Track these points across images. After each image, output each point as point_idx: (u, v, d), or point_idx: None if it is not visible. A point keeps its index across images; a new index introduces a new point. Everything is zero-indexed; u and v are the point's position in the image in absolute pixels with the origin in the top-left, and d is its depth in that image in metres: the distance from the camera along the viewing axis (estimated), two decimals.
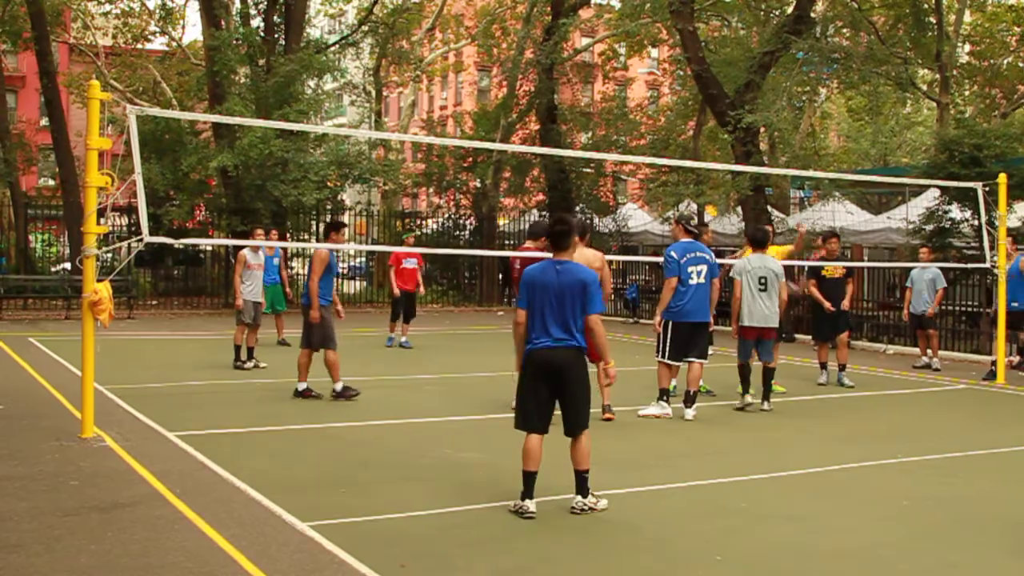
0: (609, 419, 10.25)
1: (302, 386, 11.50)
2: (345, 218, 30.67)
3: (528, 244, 11.58)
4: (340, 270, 28.52)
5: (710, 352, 11.69)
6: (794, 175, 28.22)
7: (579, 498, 6.86)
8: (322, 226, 28.17)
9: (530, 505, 6.72)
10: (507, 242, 33.12)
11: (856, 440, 9.89)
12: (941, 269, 16.31)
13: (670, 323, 10.96)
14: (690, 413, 10.76)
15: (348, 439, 9.49)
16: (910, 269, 17.03)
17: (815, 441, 9.96)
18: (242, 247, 14.79)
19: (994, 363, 14.78)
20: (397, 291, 17.67)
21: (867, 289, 22.24)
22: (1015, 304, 14.64)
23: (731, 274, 11.81)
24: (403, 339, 17.98)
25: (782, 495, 7.60)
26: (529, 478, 6.77)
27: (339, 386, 11.46)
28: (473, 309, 28.80)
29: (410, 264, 17.82)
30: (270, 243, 16.92)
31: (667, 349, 10.99)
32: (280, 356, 15.22)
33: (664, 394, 10.98)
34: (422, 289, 18.68)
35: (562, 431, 6.91)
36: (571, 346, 6.84)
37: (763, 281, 11.47)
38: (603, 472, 7.79)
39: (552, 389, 6.85)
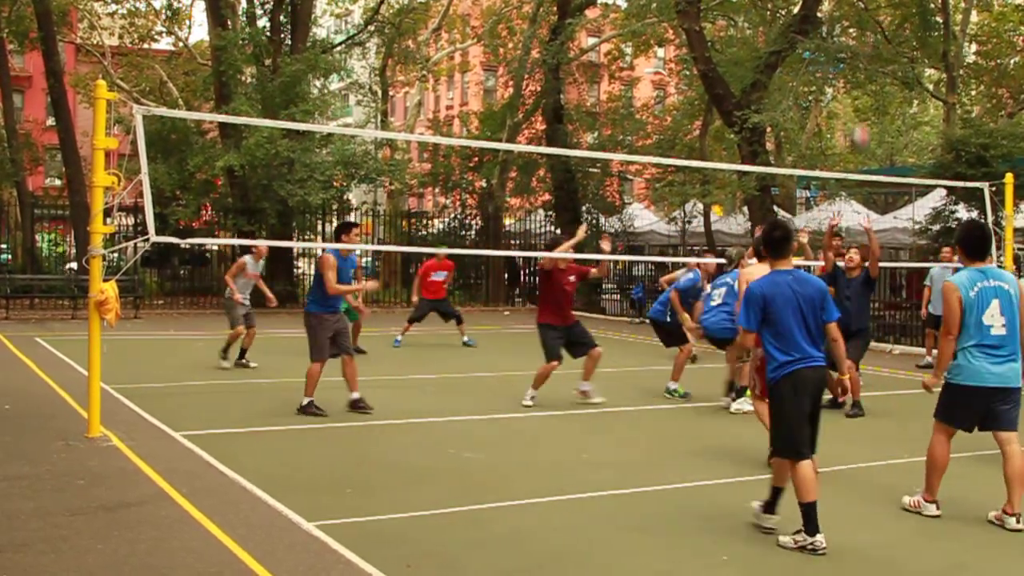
0: None
1: (355, 395, 10.90)
2: (351, 218, 30.68)
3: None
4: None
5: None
6: (800, 175, 28.24)
7: (796, 536, 6.20)
8: (329, 227, 28.26)
9: (821, 539, 6.11)
10: (513, 241, 33.14)
11: (862, 440, 9.88)
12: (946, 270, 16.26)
13: None
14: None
15: (354, 439, 9.50)
16: (916, 269, 16.98)
17: (821, 441, 9.92)
18: (243, 250, 14.73)
19: None
20: (416, 297, 18.21)
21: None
22: None
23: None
24: (464, 338, 18.38)
25: (787, 494, 7.58)
26: (811, 508, 6.16)
27: (305, 400, 10.68)
28: (479, 309, 28.78)
29: (439, 276, 18.23)
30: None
31: None
32: (282, 358, 15.23)
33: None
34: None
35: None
36: (822, 363, 6.46)
37: None
38: (610, 473, 7.80)
39: (811, 410, 6.45)
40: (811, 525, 6.12)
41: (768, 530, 6.44)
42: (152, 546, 5.91)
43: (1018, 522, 6.67)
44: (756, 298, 6.40)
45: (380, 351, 17.01)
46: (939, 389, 7.03)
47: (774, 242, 6.57)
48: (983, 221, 6.62)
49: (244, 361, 14.58)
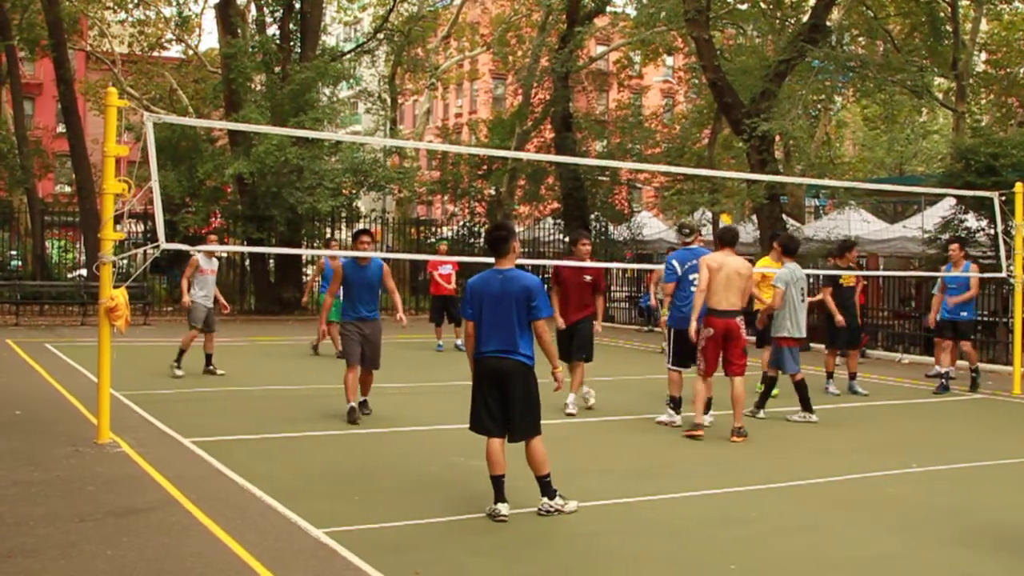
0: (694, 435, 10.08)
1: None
2: (360, 225, 30.71)
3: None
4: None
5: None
6: (809, 184, 28.20)
7: (545, 499, 6.95)
8: (339, 233, 28.30)
9: (502, 508, 6.79)
10: (522, 249, 33.08)
11: (869, 450, 9.85)
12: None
13: (674, 330, 10.83)
14: (707, 419, 10.46)
15: (362, 446, 9.51)
16: (927, 278, 16.91)
17: (828, 451, 9.92)
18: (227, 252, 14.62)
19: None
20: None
21: (881, 298, 22.17)
22: (964, 314, 14.40)
23: (774, 283, 11.32)
24: (457, 341, 18.44)
25: (795, 505, 7.58)
26: (495, 480, 6.88)
27: (347, 407, 10.58)
28: None
29: (445, 270, 18.61)
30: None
31: (672, 355, 10.94)
32: (287, 365, 15.24)
33: (673, 402, 10.85)
34: None
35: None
36: (514, 357, 6.92)
37: (803, 291, 11.39)
38: (618, 481, 7.79)
39: (501, 396, 6.93)
40: (496, 495, 6.83)
41: (501, 519, 6.78)
42: (161, 552, 5.93)
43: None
44: (469, 293, 7.07)
45: (388, 358, 16.99)
46: None
47: (494, 241, 7.11)
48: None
49: (212, 367, 14.25)
